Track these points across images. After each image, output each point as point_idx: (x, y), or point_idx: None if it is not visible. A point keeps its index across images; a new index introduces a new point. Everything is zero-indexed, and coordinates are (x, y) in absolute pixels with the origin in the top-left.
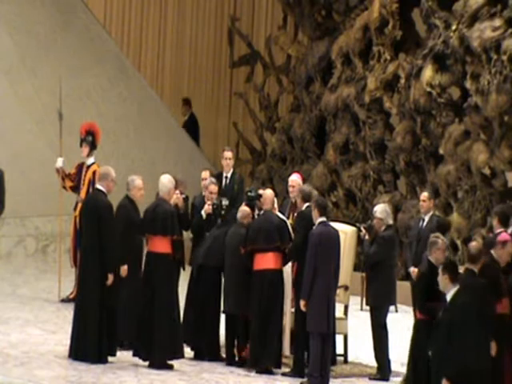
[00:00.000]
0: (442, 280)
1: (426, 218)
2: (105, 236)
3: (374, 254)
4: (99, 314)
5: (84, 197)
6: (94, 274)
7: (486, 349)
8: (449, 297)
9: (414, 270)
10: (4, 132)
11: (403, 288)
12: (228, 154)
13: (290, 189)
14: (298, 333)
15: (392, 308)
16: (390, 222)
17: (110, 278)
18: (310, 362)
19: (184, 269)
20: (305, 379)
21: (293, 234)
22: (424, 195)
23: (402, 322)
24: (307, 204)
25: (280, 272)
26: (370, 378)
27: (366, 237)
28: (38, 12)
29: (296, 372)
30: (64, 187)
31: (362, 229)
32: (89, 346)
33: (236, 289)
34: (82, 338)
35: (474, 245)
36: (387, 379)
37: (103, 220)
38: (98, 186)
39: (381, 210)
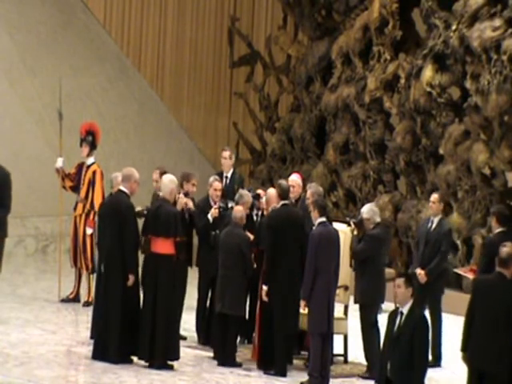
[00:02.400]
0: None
1: (435, 221)
2: (126, 237)
3: (360, 251)
4: (121, 315)
5: (83, 196)
6: (116, 275)
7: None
8: (405, 310)
9: (420, 272)
10: (4, 132)
11: None
12: (227, 153)
13: (291, 189)
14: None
15: (391, 308)
16: (378, 219)
17: (131, 278)
18: (310, 362)
19: (191, 266)
20: (305, 379)
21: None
22: (434, 197)
23: None
24: (284, 202)
25: None
26: (359, 376)
27: (355, 232)
28: (38, 12)
29: (277, 372)
30: (64, 187)
31: (351, 224)
32: (111, 346)
33: (232, 289)
34: (103, 339)
35: (506, 249)
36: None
37: (125, 221)
38: (121, 187)
39: (367, 209)
